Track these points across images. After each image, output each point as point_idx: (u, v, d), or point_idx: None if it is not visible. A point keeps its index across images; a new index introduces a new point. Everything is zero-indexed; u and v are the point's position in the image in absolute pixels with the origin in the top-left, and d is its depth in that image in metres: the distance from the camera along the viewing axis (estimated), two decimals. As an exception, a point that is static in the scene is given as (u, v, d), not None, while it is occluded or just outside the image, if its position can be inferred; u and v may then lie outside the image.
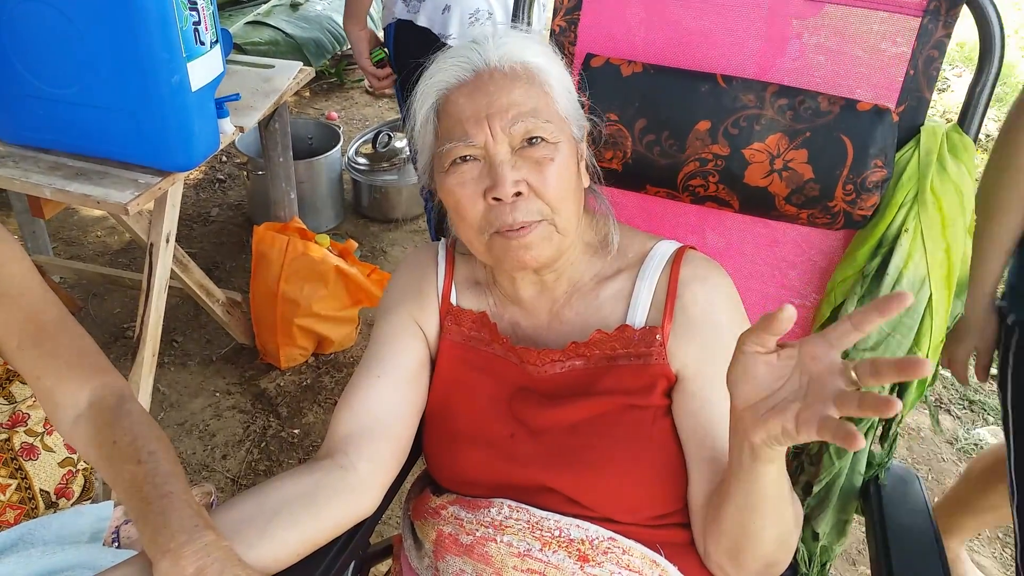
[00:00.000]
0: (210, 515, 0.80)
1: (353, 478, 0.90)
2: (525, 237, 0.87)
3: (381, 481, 0.93)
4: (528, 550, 0.88)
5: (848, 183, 1.03)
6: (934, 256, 1.05)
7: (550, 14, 1.25)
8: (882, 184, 1.04)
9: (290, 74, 2.06)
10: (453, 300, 1.02)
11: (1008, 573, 1.86)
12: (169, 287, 1.81)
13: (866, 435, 1.10)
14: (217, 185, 3.33)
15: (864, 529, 1.18)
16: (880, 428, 1.11)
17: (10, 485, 1.08)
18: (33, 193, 1.61)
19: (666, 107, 1.09)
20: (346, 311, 2.34)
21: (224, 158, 3.47)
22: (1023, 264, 1.23)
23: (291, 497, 0.85)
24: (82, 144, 1.61)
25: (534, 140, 0.87)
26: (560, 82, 0.93)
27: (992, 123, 3.84)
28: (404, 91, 2.06)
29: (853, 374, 0.62)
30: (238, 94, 1.83)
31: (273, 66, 2.11)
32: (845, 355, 1.05)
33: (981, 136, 3.11)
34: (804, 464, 1.16)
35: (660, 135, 1.09)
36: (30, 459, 1.11)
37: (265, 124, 2.16)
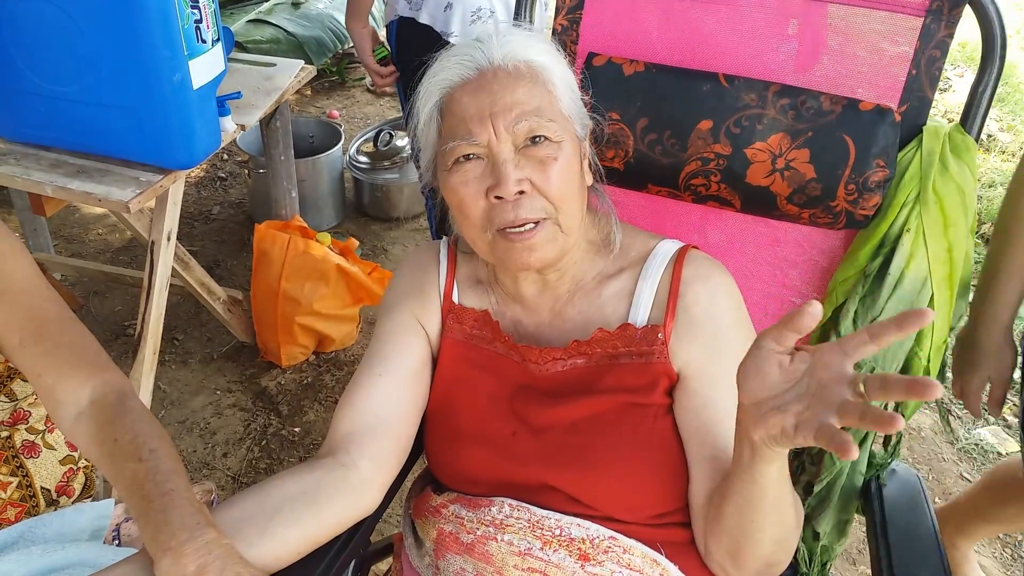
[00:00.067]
0: (211, 513, 0.80)
1: (354, 476, 0.89)
2: (530, 239, 0.87)
3: (382, 480, 0.93)
4: (529, 549, 0.88)
5: (850, 183, 1.03)
6: (936, 256, 1.04)
7: (552, 12, 1.25)
8: (884, 184, 1.04)
9: (291, 72, 2.06)
10: (455, 298, 1.02)
11: (1008, 573, 1.86)
12: (170, 285, 1.81)
13: (867, 436, 1.10)
14: (218, 183, 3.33)
15: (864, 529, 1.18)
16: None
17: (11, 483, 1.08)
18: (34, 191, 1.61)
19: (668, 106, 1.09)
20: (347, 309, 2.34)
21: (225, 156, 3.47)
22: None
23: (292, 495, 0.85)
24: (83, 142, 1.61)
25: (537, 139, 0.87)
26: (563, 80, 0.93)
27: (994, 123, 3.84)
28: (406, 89, 2.07)
29: (862, 387, 0.62)
30: (239, 92, 1.83)
31: (274, 64, 2.11)
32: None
33: (983, 136, 3.11)
34: (805, 464, 1.16)
35: (662, 134, 1.09)
36: (31, 457, 1.11)
37: (266, 122, 2.16)
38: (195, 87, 1.50)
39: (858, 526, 1.71)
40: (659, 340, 0.92)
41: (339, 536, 0.89)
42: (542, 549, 0.87)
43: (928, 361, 1.07)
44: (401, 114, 3.20)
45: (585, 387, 0.93)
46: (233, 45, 1.94)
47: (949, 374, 1.20)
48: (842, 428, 0.61)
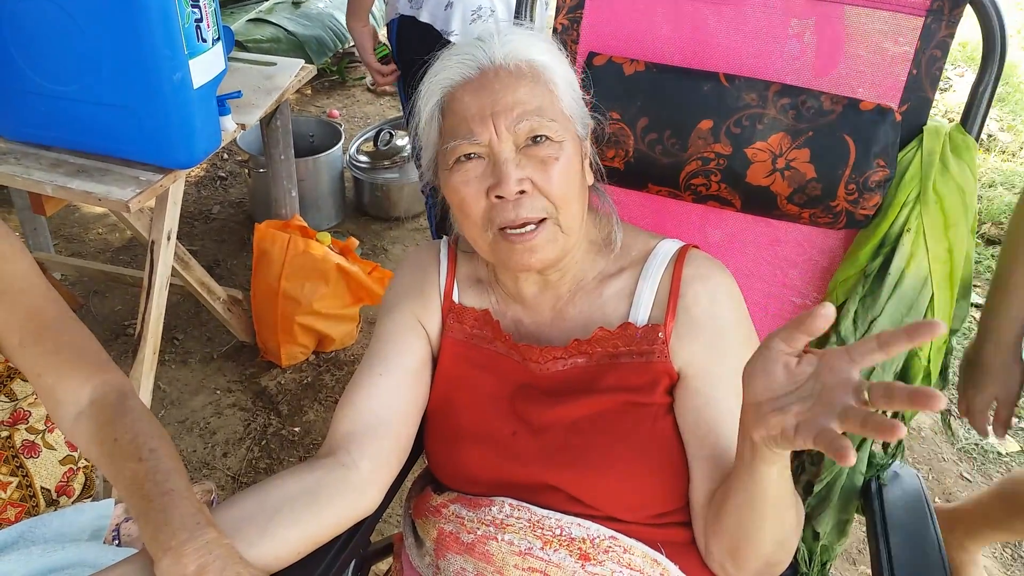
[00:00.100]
0: (211, 513, 0.80)
1: (355, 476, 0.89)
2: (531, 240, 0.87)
3: (382, 479, 0.93)
4: (529, 549, 0.88)
5: (850, 183, 1.03)
6: (936, 256, 1.04)
7: (552, 11, 1.25)
8: (884, 184, 1.04)
9: (292, 72, 2.06)
10: (455, 298, 1.02)
11: (1008, 573, 1.86)
12: (170, 284, 1.81)
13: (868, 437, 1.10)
14: (218, 183, 3.33)
15: (864, 529, 1.18)
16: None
17: (11, 483, 1.08)
18: (34, 190, 1.61)
19: (668, 106, 1.09)
20: (347, 309, 2.34)
21: (225, 156, 3.47)
22: None
23: (292, 495, 0.85)
24: (84, 141, 1.61)
25: (539, 139, 0.87)
26: (565, 80, 0.93)
27: (994, 123, 3.84)
28: (406, 88, 2.07)
29: (866, 394, 0.62)
30: (240, 91, 1.82)
31: (275, 63, 2.11)
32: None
33: (983, 136, 3.11)
34: (805, 464, 1.16)
35: (662, 134, 1.09)
36: (31, 457, 1.11)
37: (267, 122, 2.16)
38: (195, 86, 1.50)
39: (858, 526, 1.71)
40: (659, 339, 0.92)
41: (339, 536, 0.89)
42: (542, 549, 0.87)
43: (928, 362, 1.07)
44: (401, 113, 3.20)
45: (586, 386, 0.93)
46: (233, 44, 1.93)
47: (949, 374, 1.20)
48: (842, 433, 0.61)
